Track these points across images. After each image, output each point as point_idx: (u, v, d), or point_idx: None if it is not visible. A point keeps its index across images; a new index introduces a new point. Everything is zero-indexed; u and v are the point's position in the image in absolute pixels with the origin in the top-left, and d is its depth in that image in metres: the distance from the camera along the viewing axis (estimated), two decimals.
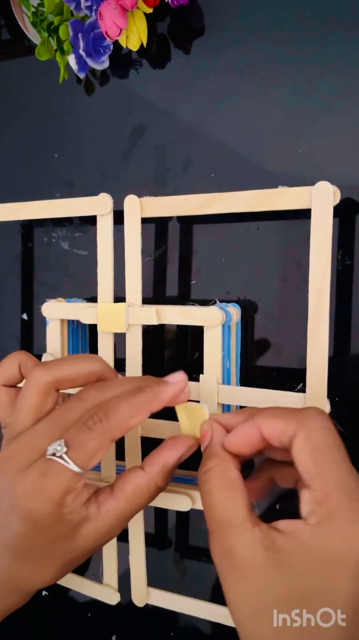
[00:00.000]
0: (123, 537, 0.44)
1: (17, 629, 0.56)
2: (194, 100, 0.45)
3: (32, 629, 0.55)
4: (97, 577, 0.49)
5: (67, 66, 0.45)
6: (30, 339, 0.53)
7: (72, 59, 0.44)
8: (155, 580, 0.44)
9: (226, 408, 0.40)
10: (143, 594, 0.44)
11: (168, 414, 0.47)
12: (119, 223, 0.42)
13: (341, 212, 0.39)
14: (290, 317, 0.42)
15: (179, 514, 0.47)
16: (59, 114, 0.51)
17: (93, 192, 0.49)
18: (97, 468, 0.45)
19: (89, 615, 0.52)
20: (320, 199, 0.35)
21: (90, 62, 0.44)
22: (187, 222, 0.46)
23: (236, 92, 0.43)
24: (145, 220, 0.42)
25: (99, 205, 0.43)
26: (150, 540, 0.47)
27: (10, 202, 0.47)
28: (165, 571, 0.48)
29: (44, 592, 0.53)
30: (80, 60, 0.44)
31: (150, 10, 0.42)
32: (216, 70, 0.44)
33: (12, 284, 0.54)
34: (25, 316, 0.53)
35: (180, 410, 0.35)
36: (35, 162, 0.52)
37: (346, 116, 0.40)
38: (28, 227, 0.53)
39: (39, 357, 0.46)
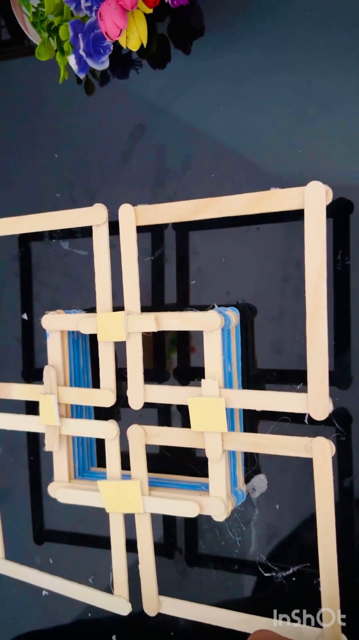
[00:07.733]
0: (130, 547, 0.44)
1: (18, 629, 0.56)
2: (194, 100, 0.45)
3: (32, 629, 0.55)
4: (95, 584, 0.49)
5: (67, 66, 0.45)
6: (30, 340, 0.53)
7: (72, 59, 0.44)
8: (163, 587, 0.44)
9: (229, 412, 0.40)
10: (154, 603, 0.43)
11: (168, 419, 0.47)
12: (115, 232, 0.42)
13: (338, 211, 0.39)
14: (290, 318, 0.42)
15: (187, 521, 0.47)
16: (59, 114, 0.51)
17: (93, 192, 0.49)
18: (103, 476, 0.45)
19: (89, 615, 0.52)
20: (312, 199, 0.35)
21: (90, 63, 0.44)
22: (183, 229, 0.46)
23: (236, 92, 0.43)
24: (141, 229, 0.42)
25: (94, 216, 0.43)
26: (157, 549, 0.46)
27: (10, 202, 0.47)
28: (174, 579, 0.47)
29: (44, 592, 0.53)
30: (80, 60, 0.44)
31: (150, 11, 0.42)
32: (216, 70, 0.44)
33: (12, 284, 0.54)
34: (25, 316, 0.53)
35: (193, 404, 0.34)
36: (35, 162, 0.52)
37: (345, 116, 0.40)
38: None
39: (40, 369, 0.46)
